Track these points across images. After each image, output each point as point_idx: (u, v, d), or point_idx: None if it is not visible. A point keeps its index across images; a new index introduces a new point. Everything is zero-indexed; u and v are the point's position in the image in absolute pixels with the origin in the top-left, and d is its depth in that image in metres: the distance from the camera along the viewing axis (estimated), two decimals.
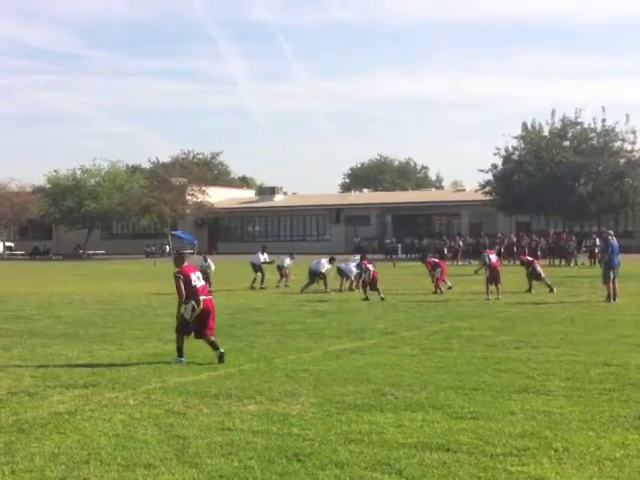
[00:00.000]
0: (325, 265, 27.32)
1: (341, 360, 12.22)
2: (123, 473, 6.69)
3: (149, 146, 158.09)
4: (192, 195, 70.49)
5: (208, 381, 10.61)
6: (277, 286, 28.61)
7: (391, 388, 9.86)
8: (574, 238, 47.76)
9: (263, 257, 29.80)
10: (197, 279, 12.28)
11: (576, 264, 44.08)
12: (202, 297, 12.18)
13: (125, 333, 15.93)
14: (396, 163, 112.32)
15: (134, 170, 76.98)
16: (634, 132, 56.34)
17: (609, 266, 21.64)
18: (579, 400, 9.11)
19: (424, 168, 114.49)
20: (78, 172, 72.16)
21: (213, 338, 12.25)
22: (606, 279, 21.57)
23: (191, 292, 12.07)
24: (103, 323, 17.90)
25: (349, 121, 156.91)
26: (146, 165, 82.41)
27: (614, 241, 22.39)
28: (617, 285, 21.60)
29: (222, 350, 12.11)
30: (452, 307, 20.54)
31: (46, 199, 71.29)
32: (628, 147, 57.13)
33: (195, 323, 12.10)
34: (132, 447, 7.42)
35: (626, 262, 38.92)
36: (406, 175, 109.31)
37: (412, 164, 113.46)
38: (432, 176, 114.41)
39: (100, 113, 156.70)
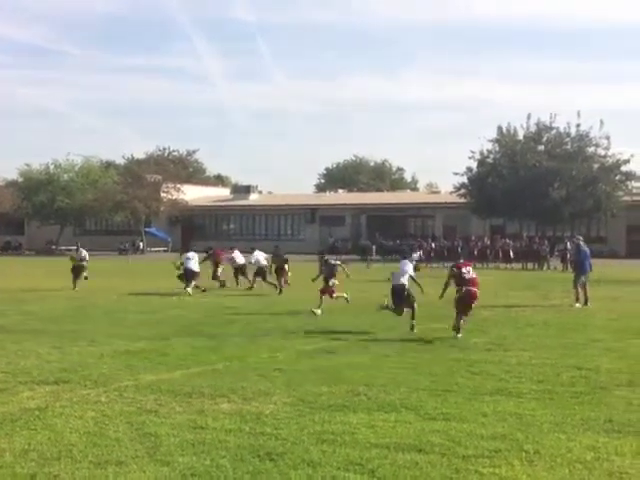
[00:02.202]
0: (261, 259, 27.11)
1: (315, 360, 12.22)
2: (94, 470, 6.65)
3: (124, 142, 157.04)
4: (166, 192, 70.13)
5: (181, 379, 10.56)
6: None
7: (364, 388, 9.87)
8: (547, 242, 48.08)
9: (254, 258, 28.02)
10: None
11: (549, 268, 44.41)
12: None
13: (97, 330, 15.82)
14: (372, 164, 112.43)
15: (108, 166, 76.42)
16: (608, 137, 56.83)
17: (580, 271, 21.87)
18: (550, 403, 9.18)
19: (399, 170, 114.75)
20: (51, 167, 71.62)
21: None
22: (576, 283, 21.77)
23: None
24: (75, 320, 17.77)
25: (326, 122, 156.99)
26: (120, 161, 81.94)
27: (585, 247, 22.67)
28: (588, 290, 21.78)
29: None
30: (427, 309, 20.58)
31: (18, 193, 70.62)
32: (602, 152, 57.62)
33: None
34: (103, 444, 7.38)
35: (598, 267, 39.27)
36: (381, 176, 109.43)
37: (387, 165, 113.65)
38: (407, 178, 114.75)
39: (76, 108, 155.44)
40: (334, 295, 20.04)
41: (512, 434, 7.74)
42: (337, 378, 10.60)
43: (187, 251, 27.67)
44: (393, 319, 17.97)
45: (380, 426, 8.04)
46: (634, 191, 57.90)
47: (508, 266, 46.35)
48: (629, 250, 55.72)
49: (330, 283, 19.92)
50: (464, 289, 15.39)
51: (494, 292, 26.97)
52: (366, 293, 25.85)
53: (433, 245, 51.99)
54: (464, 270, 15.67)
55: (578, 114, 57.42)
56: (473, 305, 15.51)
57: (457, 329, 15.10)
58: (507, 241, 50.06)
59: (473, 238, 53.21)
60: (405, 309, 16.49)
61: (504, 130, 59.23)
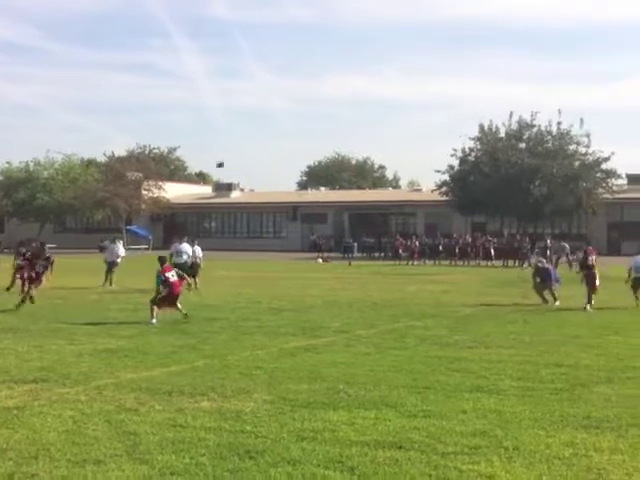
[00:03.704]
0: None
1: (295, 358, 12.21)
2: (72, 469, 6.61)
3: (105, 140, 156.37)
4: (148, 190, 69.83)
5: (161, 377, 10.53)
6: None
7: (345, 386, 9.88)
8: (528, 239, 48.26)
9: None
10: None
11: (529, 265, 44.56)
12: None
13: (76, 328, 15.72)
14: (354, 162, 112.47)
15: (89, 163, 76.04)
16: (588, 135, 57.14)
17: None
18: (530, 399, 9.21)
19: (381, 167, 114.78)
20: (31, 164, 71.18)
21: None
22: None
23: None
24: (54, 318, 17.65)
25: (308, 120, 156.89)
26: (101, 159, 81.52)
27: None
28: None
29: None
30: (407, 307, 20.65)
31: None
32: (582, 150, 57.95)
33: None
34: (82, 443, 7.34)
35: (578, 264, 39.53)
36: (363, 174, 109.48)
37: (370, 163, 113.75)
38: (389, 176, 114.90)
39: (56, 105, 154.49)
40: None
41: (492, 431, 7.76)
42: (318, 376, 10.59)
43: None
44: (374, 317, 18.01)
45: (360, 423, 8.05)
46: (614, 189, 58.28)
47: (489, 264, 46.54)
48: (609, 247, 56.03)
49: None
50: None
51: (475, 289, 27.11)
52: (347, 291, 25.91)
53: (417, 243, 52.04)
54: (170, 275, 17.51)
55: (559, 112, 57.69)
56: None
57: None
58: (488, 238, 50.26)
59: (455, 236, 53.35)
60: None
61: (486, 128, 59.41)
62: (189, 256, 25.90)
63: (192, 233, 48.77)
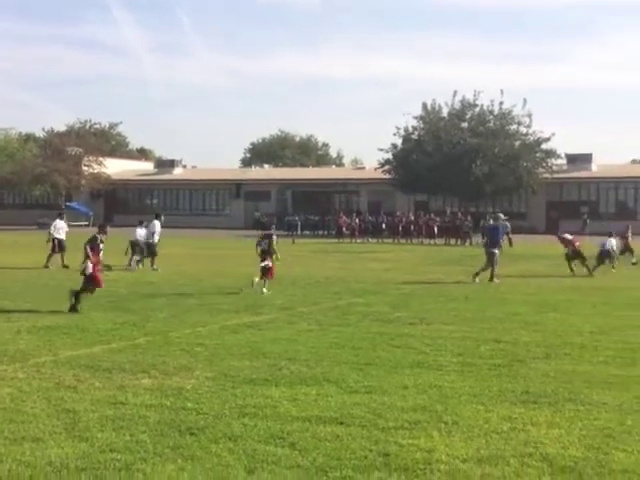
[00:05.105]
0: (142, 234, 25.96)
1: (238, 335, 12.18)
2: (10, 447, 6.50)
3: (44, 115, 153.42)
4: (88, 166, 68.86)
5: (101, 354, 10.41)
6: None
7: (287, 362, 9.89)
8: (470, 218, 48.80)
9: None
10: None
11: (471, 243, 45.10)
12: None
13: (14, 306, 15.44)
14: (297, 139, 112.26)
15: (27, 139, 74.62)
16: (530, 116, 57.96)
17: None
18: (469, 375, 9.34)
19: (325, 145, 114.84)
20: None
21: None
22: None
23: None
24: None
25: (250, 96, 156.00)
26: (40, 134, 79.98)
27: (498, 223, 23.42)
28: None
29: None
30: (350, 284, 20.74)
31: None
32: (523, 130, 58.74)
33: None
34: (20, 421, 7.22)
35: (518, 243, 40.19)
36: (307, 152, 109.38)
37: (313, 141, 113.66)
38: (333, 153, 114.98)
39: None
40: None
41: (432, 406, 7.85)
42: (260, 352, 10.59)
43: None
44: (317, 294, 18.04)
45: (302, 399, 8.07)
46: (554, 168, 59.24)
47: (432, 242, 46.98)
48: (548, 226, 57.01)
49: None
50: None
51: (417, 267, 27.36)
52: (290, 268, 25.90)
53: (357, 221, 52.23)
54: None
55: (501, 92, 58.35)
56: None
57: None
58: (431, 217, 50.70)
59: (398, 214, 53.70)
60: None
61: (429, 107, 59.79)
62: (141, 237, 25.95)
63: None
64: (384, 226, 51.84)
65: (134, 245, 25.93)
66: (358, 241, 48.16)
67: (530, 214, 61.28)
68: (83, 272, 15.31)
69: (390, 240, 48.19)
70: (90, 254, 15.33)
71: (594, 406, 7.92)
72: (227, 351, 10.70)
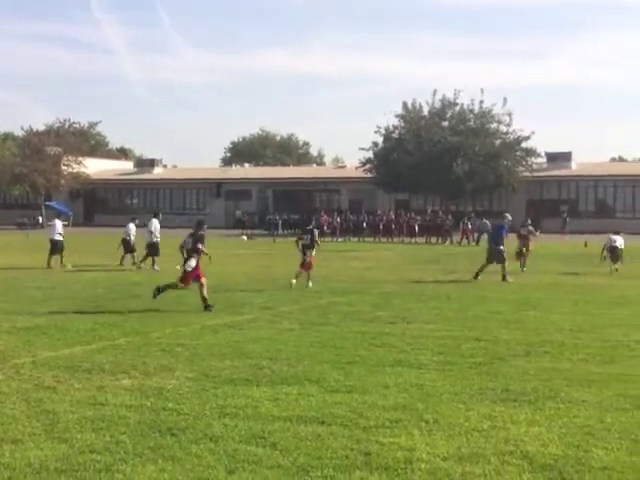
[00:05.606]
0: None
1: (219, 334, 12.15)
2: None
3: (22, 113, 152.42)
4: (67, 165, 68.47)
5: (81, 355, 10.34)
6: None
7: (268, 362, 9.87)
8: (450, 217, 48.93)
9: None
10: None
11: (452, 242, 45.26)
12: None
13: None
14: (278, 138, 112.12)
15: (5, 138, 74.13)
16: (510, 114, 58.17)
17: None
18: (450, 373, 9.36)
19: (306, 144, 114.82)
20: None
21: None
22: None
23: None
24: None
25: (231, 95, 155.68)
26: (19, 133, 79.42)
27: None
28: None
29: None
30: (331, 283, 20.73)
31: None
32: (504, 129, 58.95)
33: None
34: None
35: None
36: (288, 150, 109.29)
37: (294, 140, 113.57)
38: (314, 152, 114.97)
39: None
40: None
41: (413, 404, 7.86)
42: (241, 352, 10.56)
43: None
44: (298, 294, 18.02)
45: (283, 399, 8.05)
46: (534, 167, 59.51)
47: (412, 240, 47.08)
48: None
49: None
50: None
51: (398, 266, 27.41)
52: (271, 268, 25.90)
53: (338, 220, 52.20)
54: None
55: (482, 91, 58.59)
56: None
57: None
58: (412, 215, 50.79)
59: (379, 212, 53.75)
60: None
61: (409, 106, 59.90)
62: (133, 235, 26.20)
63: (112, 210, 47.69)
64: (365, 225, 51.89)
65: (126, 243, 26.10)
66: (339, 240, 48.19)
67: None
68: (184, 267, 15.64)
69: (371, 239, 48.26)
70: (202, 248, 15.68)
71: (574, 404, 7.96)
72: (208, 351, 10.67)
